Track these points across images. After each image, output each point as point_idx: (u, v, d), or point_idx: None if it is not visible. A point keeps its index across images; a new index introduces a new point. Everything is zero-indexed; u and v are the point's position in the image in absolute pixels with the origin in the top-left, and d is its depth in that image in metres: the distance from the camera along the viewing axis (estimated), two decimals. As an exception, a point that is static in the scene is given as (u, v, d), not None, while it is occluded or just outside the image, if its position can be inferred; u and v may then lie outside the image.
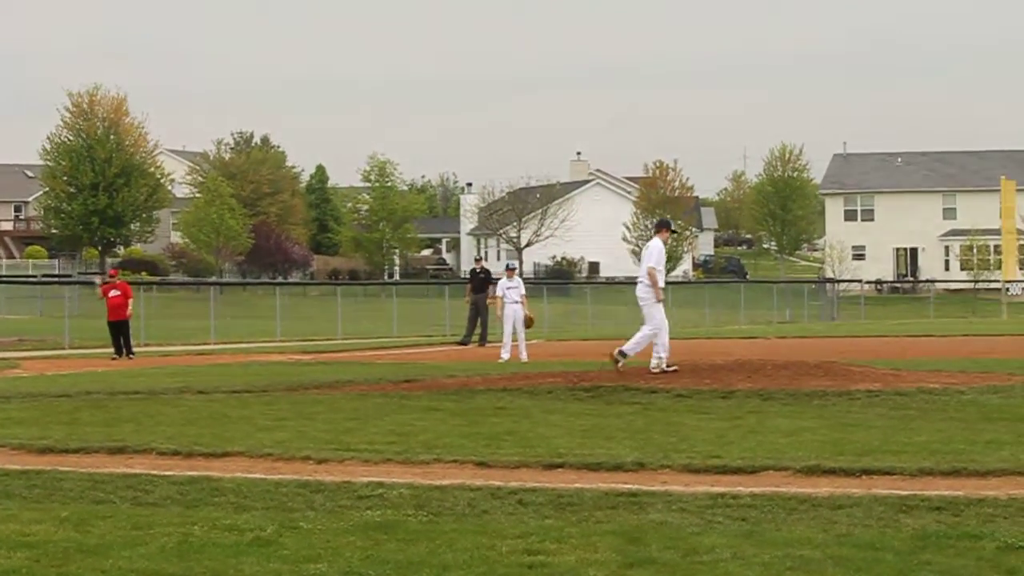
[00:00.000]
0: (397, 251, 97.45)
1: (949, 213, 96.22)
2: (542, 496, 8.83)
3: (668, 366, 16.99)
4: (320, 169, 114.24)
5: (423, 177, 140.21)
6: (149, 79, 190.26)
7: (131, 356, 29.11)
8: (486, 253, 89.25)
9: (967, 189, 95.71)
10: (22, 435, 12.44)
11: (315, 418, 13.57)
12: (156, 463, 10.83)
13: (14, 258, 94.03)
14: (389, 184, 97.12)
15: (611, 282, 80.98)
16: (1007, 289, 70.85)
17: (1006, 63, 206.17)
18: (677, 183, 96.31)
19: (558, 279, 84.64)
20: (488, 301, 31.12)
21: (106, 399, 16.07)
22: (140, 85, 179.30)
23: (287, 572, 6.84)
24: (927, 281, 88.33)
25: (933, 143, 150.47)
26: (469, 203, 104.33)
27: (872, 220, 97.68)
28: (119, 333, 29.58)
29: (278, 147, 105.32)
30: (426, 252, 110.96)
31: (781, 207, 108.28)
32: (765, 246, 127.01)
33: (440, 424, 12.89)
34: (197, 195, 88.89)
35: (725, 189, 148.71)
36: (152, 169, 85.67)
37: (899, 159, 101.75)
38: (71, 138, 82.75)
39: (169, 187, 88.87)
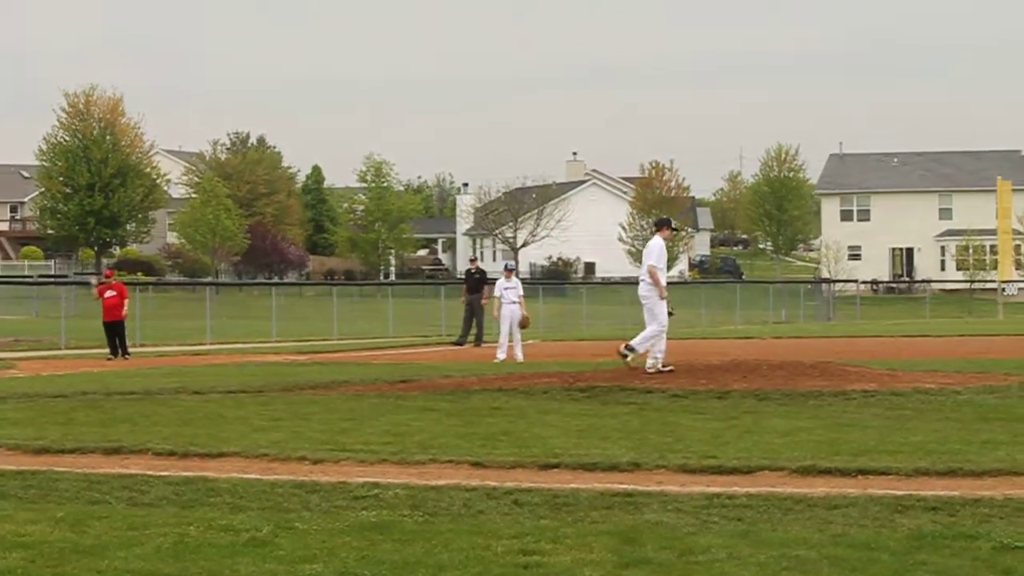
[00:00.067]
0: (393, 251, 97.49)
1: (945, 213, 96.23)
2: (538, 496, 8.82)
3: (664, 366, 17.01)
4: (316, 169, 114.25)
5: (419, 177, 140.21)
6: (147, 79, 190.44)
7: (126, 356, 29.10)
8: (482, 253, 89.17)
9: (963, 189, 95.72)
10: (18, 435, 12.42)
11: (311, 418, 13.56)
12: (152, 463, 10.81)
13: (10, 258, 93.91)
14: (385, 184, 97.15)
15: (607, 282, 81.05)
16: (1003, 289, 70.90)
17: (1006, 63, 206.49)
18: (673, 183, 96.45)
19: (554, 279, 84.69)
20: (483, 301, 31.13)
21: (102, 399, 16.05)
22: (138, 85, 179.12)
23: (283, 572, 6.83)
24: (923, 281, 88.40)
25: (931, 143, 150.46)
26: (465, 203, 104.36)
27: (868, 220, 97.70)
28: (115, 333, 29.57)
29: (274, 147, 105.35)
30: (422, 252, 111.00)
31: (777, 207, 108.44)
32: (761, 246, 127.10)
33: (436, 424, 12.89)
34: (193, 195, 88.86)
35: (721, 189, 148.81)
36: (148, 169, 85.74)
37: (895, 159, 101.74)
38: (67, 138, 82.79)
39: (165, 187, 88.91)
